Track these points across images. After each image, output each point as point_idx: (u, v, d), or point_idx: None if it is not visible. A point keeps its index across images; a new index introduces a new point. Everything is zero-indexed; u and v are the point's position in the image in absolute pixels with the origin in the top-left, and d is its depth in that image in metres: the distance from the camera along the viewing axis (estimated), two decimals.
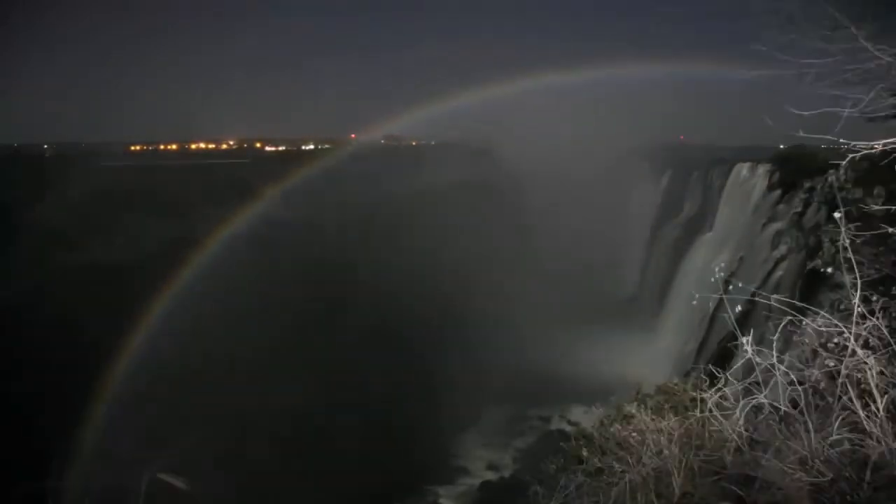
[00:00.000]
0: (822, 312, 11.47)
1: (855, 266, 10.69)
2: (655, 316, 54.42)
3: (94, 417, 38.16)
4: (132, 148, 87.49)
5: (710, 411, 7.92)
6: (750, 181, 43.32)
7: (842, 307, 11.25)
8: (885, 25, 6.48)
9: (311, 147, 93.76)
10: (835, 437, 5.39)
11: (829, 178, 28.65)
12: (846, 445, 5.31)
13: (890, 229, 9.51)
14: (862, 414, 5.32)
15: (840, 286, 11.51)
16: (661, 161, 71.22)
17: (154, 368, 41.75)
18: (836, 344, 9.64)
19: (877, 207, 9.99)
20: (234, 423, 39.36)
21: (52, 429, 35.32)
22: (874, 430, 5.20)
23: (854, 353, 7.97)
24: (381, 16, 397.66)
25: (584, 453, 8.08)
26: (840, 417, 5.47)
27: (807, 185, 33.12)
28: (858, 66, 6.46)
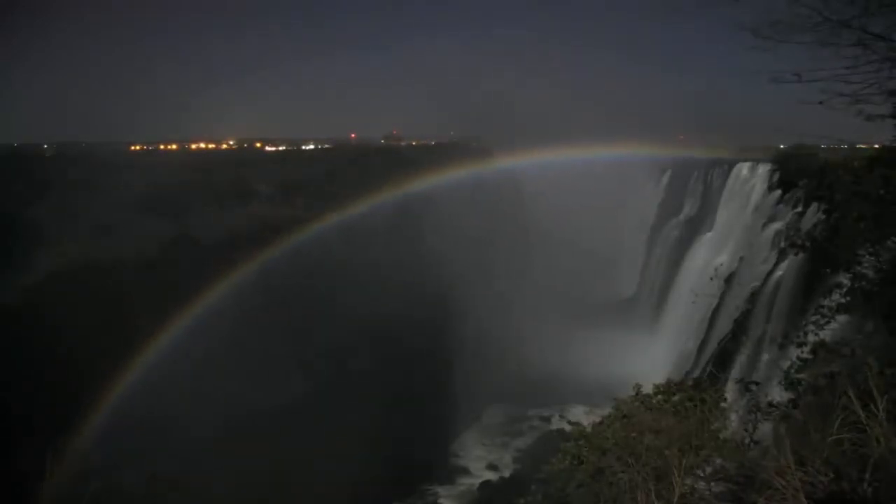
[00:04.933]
0: (822, 312, 11.49)
1: (855, 266, 10.67)
2: (655, 316, 54.44)
3: (95, 417, 38.16)
4: (132, 148, 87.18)
5: (710, 411, 7.93)
6: (750, 181, 43.33)
7: (842, 307, 11.27)
8: (885, 26, 6.49)
9: (311, 147, 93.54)
10: (835, 436, 5.38)
11: (829, 178, 28.59)
12: (846, 445, 5.30)
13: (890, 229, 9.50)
14: (862, 414, 5.32)
15: (840, 286, 11.53)
16: (661, 161, 71.17)
17: (154, 368, 41.76)
18: (836, 344, 9.66)
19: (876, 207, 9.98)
20: (235, 423, 39.37)
21: (53, 429, 35.34)
22: (875, 429, 5.20)
23: (854, 353, 7.97)
24: (383, 16, 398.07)
25: (584, 453, 8.08)
26: (840, 417, 5.46)
27: (807, 185, 33.09)
28: (858, 67, 6.46)
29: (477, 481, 40.34)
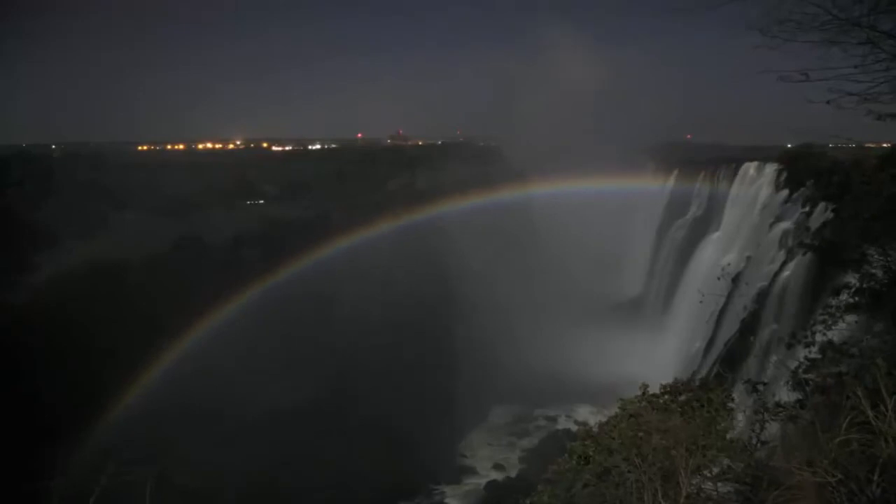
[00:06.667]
0: (830, 312, 11.42)
1: (864, 266, 10.60)
2: (662, 316, 54.19)
3: (96, 418, 38.33)
4: (139, 148, 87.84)
5: (717, 411, 7.89)
6: (757, 181, 43.10)
7: (850, 307, 11.21)
8: (894, 24, 6.44)
9: (318, 147, 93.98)
10: (843, 437, 5.34)
11: (839, 177, 28.47)
12: (855, 446, 5.27)
13: None
14: (871, 414, 5.28)
15: (848, 286, 11.46)
16: (667, 160, 70.83)
17: (162, 369, 41.98)
18: (844, 344, 9.60)
19: (885, 207, 9.92)
20: (242, 423, 39.51)
21: (63, 428, 35.55)
22: (884, 430, 5.16)
23: (862, 352, 7.93)
24: (387, 16, 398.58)
25: (591, 453, 8.05)
26: (848, 418, 5.42)
27: (815, 184, 32.93)
28: (867, 65, 6.43)
29: (483, 481, 40.31)
